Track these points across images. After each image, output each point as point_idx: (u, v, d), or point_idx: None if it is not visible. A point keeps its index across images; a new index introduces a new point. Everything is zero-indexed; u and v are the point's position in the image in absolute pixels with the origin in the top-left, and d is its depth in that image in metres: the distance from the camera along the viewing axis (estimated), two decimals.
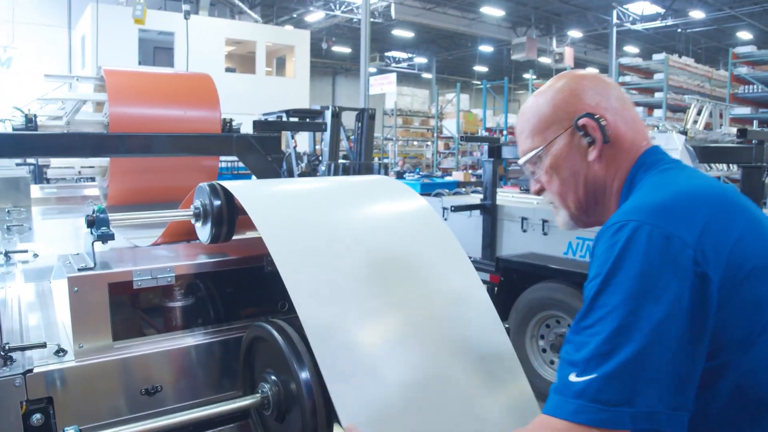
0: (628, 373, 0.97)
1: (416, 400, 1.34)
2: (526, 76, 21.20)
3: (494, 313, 1.58)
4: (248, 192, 1.65)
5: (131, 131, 3.11)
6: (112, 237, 1.60)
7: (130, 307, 1.72)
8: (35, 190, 4.30)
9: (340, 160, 9.82)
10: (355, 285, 1.46)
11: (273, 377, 1.43)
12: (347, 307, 1.41)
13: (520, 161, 1.33)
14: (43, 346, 1.52)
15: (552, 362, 4.61)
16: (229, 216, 1.73)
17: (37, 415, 1.40)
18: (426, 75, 34.01)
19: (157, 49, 19.79)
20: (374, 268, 1.52)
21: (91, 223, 1.63)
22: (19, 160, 5.15)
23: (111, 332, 1.53)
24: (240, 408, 1.43)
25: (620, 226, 1.06)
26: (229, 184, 1.68)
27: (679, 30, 25.36)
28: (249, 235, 1.88)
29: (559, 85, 1.29)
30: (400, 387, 1.33)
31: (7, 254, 2.32)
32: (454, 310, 1.54)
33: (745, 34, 26.09)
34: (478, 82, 27.74)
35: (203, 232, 1.77)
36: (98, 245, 1.63)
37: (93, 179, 4.38)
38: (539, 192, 1.35)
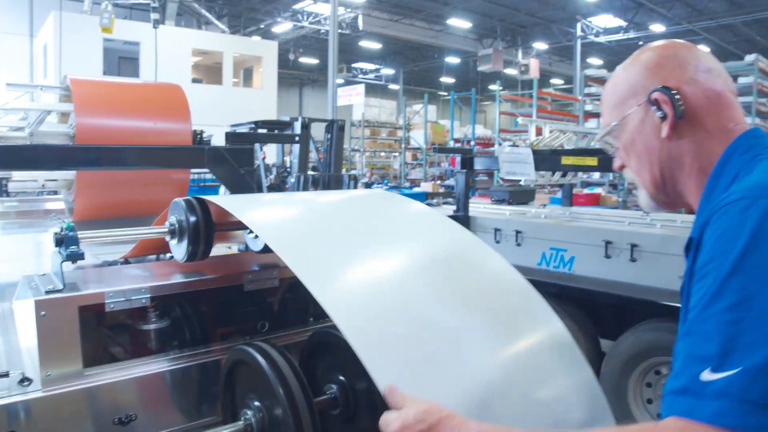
0: None
1: (463, 372, 1.20)
2: (493, 87, 21.30)
3: (541, 299, 1.48)
4: (247, 208, 1.53)
5: (98, 143, 3.00)
6: (81, 256, 1.51)
7: (100, 329, 1.62)
8: None
9: (310, 172, 9.71)
10: (388, 282, 1.35)
11: (257, 403, 1.35)
12: (385, 301, 1.29)
13: (598, 137, 1.29)
14: (5, 375, 1.42)
15: None
16: (206, 233, 1.65)
17: None
18: (393, 86, 34.11)
19: (122, 59, 19.46)
20: (405, 270, 1.42)
21: (60, 242, 1.54)
22: None
23: (81, 359, 1.44)
24: None
25: (748, 203, 0.94)
26: (225, 203, 1.57)
27: (641, 43, 25.87)
28: (220, 250, 1.80)
29: (642, 57, 1.22)
30: (441, 355, 1.21)
31: None
32: (498, 299, 1.44)
33: (702, 48, 26.80)
34: (445, 93, 27.92)
35: (179, 250, 1.68)
36: (66, 264, 1.53)
37: (56, 192, 4.23)
38: (621, 168, 1.28)
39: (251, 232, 1.80)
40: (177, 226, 1.66)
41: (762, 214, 0.92)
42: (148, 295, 1.52)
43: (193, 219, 1.63)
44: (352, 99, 19.83)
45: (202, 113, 9.14)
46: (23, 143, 3.18)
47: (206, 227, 1.64)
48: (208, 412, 1.55)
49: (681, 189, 1.18)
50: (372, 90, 29.90)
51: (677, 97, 1.12)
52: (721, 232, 0.95)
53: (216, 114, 15.99)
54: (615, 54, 28.44)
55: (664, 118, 1.14)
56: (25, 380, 1.40)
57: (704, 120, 1.13)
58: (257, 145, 9.98)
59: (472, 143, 18.35)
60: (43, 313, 1.39)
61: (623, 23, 23.82)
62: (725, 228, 0.95)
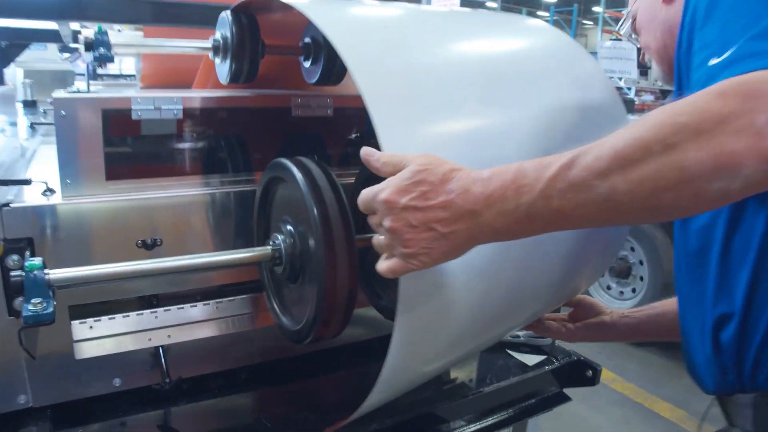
0: None
1: None
2: (597, 9, 19.89)
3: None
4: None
5: None
6: (111, 59, 1.35)
7: (128, 141, 1.45)
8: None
9: None
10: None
11: (289, 227, 1.15)
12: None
13: (622, 31, 1.36)
14: (27, 182, 1.29)
15: None
16: (252, 51, 1.44)
17: (14, 257, 1.18)
18: (491, 4, 32.62)
19: None
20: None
21: (90, 46, 1.37)
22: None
23: (104, 169, 1.29)
24: (244, 260, 1.15)
25: None
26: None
27: None
28: None
29: None
30: None
31: (32, 125, 2.33)
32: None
33: None
34: (546, 13, 26.43)
35: (222, 69, 1.49)
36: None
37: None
38: (644, 57, 1.32)
39: (307, 58, 1.58)
40: (221, 42, 1.46)
41: None
42: (180, 107, 1.34)
43: (238, 34, 1.42)
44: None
45: None
46: None
47: (252, 44, 1.43)
48: (242, 246, 1.37)
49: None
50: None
51: None
52: None
53: None
54: None
55: None
56: (48, 190, 1.28)
57: None
58: None
59: None
60: (63, 112, 1.24)
61: None
62: None
